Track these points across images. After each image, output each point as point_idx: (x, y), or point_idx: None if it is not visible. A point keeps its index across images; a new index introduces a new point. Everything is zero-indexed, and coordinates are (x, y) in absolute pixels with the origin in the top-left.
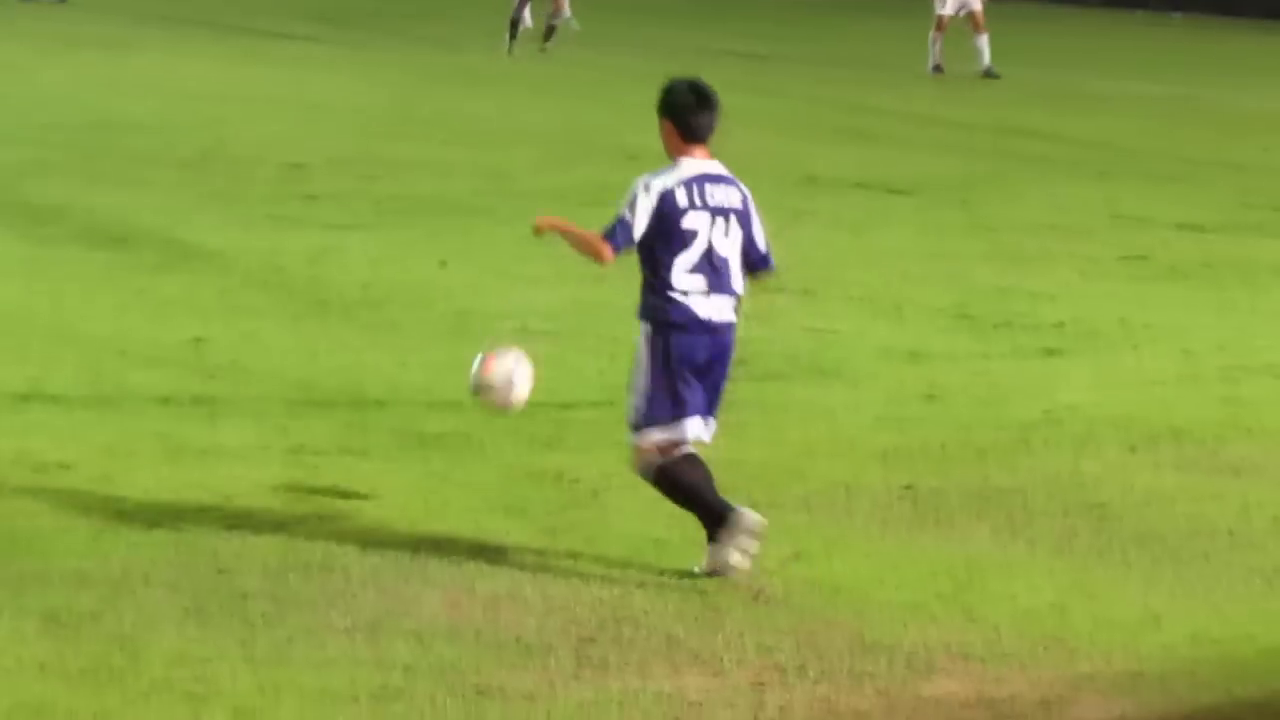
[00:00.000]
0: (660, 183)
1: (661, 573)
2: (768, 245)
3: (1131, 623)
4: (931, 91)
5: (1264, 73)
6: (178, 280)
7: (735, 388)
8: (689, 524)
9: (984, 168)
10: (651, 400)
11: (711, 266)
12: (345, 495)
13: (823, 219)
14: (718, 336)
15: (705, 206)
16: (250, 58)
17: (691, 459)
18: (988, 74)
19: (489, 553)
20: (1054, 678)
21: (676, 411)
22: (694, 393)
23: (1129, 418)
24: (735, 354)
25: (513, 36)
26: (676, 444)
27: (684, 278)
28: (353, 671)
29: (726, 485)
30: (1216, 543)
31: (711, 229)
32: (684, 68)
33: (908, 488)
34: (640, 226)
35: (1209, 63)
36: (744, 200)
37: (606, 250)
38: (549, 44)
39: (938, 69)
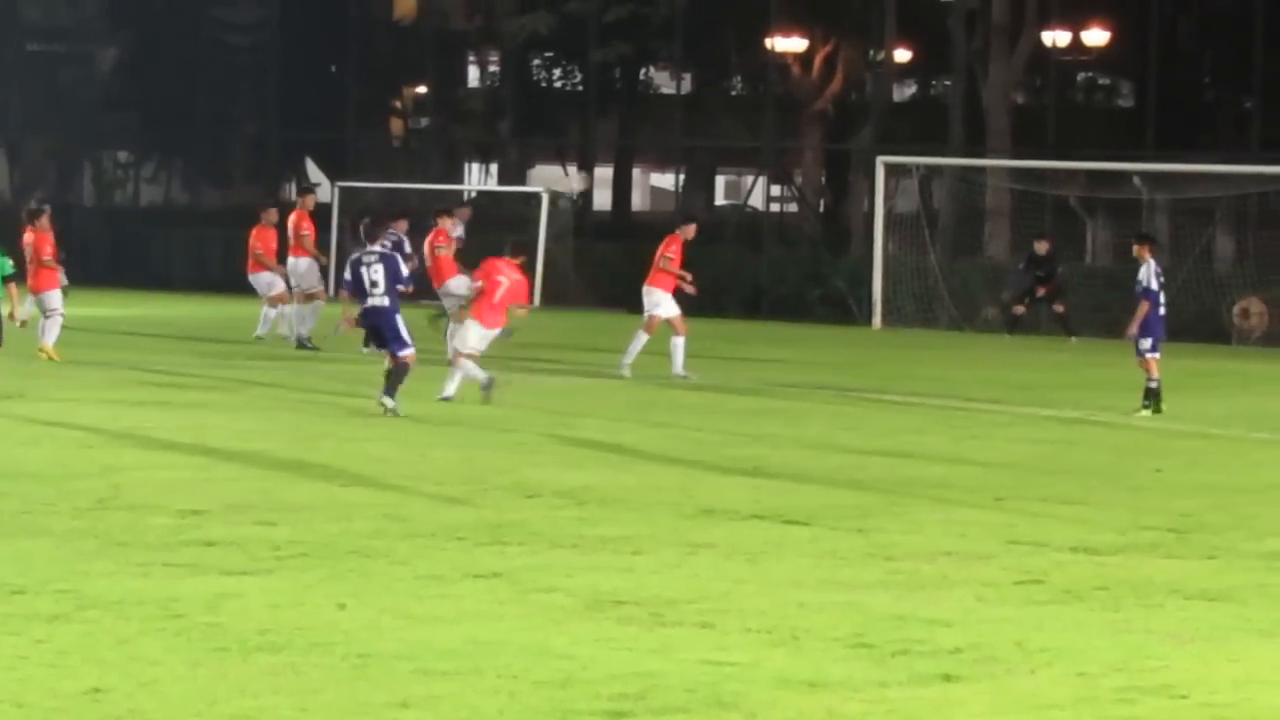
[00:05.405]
0: None
1: None
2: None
3: None
4: (824, 420)
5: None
6: (75, 630)
7: None
8: None
9: (880, 496)
10: None
11: None
12: None
13: (720, 550)
14: None
15: None
16: (146, 403)
17: None
18: None
19: None
20: None
21: None
22: None
23: None
24: None
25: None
26: None
27: None
28: None
29: None
30: None
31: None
32: (577, 405)
33: None
34: None
35: (1102, 385)
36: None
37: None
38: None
39: None
